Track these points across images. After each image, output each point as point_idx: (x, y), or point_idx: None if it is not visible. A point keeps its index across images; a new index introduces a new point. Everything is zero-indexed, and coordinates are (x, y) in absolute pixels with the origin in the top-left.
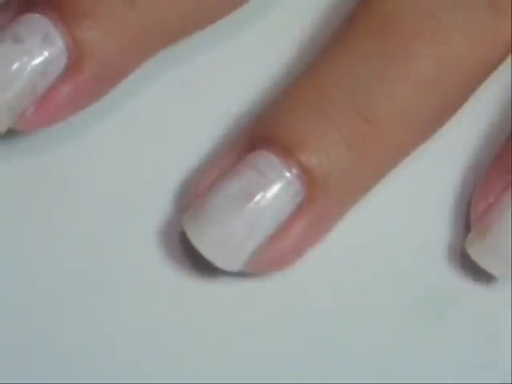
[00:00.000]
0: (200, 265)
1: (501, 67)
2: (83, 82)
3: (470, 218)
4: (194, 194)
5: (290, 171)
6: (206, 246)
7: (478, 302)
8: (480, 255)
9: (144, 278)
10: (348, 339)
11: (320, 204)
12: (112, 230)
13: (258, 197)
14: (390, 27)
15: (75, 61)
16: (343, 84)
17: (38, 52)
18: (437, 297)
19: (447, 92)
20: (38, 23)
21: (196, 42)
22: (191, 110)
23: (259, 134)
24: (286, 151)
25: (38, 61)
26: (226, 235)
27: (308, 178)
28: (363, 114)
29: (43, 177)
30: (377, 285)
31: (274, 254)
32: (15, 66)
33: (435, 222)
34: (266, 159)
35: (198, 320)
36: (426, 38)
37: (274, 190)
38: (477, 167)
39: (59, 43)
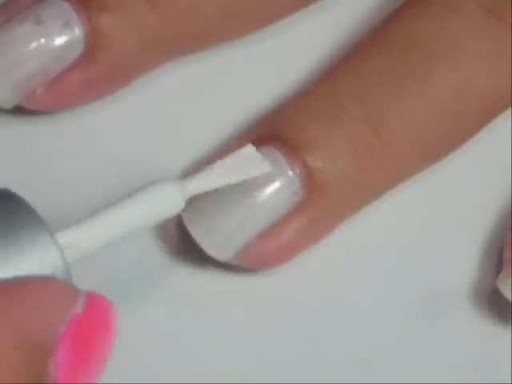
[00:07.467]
0: (197, 256)
1: None
2: (95, 72)
3: (502, 258)
4: None
5: (293, 170)
6: (200, 234)
7: (477, 302)
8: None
9: (141, 263)
10: (348, 339)
11: (317, 208)
12: None
13: (256, 191)
14: (413, 46)
15: (91, 50)
16: (358, 95)
17: (57, 36)
18: (437, 297)
19: (461, 117)
20: (61, 8)
21: None
22: (201, 105)
23: (268, 131)
24: (293, 150)
25: (54, 44)
26: (220, 225)
27: (310, 180)
28: (374, 127)
29: (42, 167)
30: (377, 285)
31: (263, 250)
32: (32, 45)
33: (435, 221)
34: (271, 155)
35: (194, 308)
36: (448, 62)
37: (274, 186)
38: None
39: (78, 31)
